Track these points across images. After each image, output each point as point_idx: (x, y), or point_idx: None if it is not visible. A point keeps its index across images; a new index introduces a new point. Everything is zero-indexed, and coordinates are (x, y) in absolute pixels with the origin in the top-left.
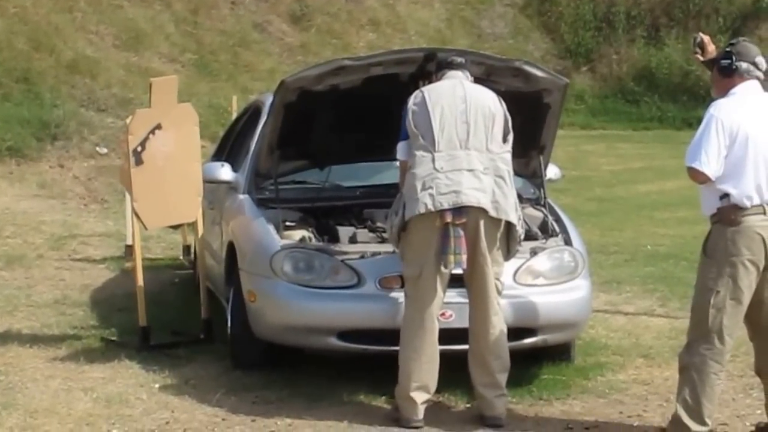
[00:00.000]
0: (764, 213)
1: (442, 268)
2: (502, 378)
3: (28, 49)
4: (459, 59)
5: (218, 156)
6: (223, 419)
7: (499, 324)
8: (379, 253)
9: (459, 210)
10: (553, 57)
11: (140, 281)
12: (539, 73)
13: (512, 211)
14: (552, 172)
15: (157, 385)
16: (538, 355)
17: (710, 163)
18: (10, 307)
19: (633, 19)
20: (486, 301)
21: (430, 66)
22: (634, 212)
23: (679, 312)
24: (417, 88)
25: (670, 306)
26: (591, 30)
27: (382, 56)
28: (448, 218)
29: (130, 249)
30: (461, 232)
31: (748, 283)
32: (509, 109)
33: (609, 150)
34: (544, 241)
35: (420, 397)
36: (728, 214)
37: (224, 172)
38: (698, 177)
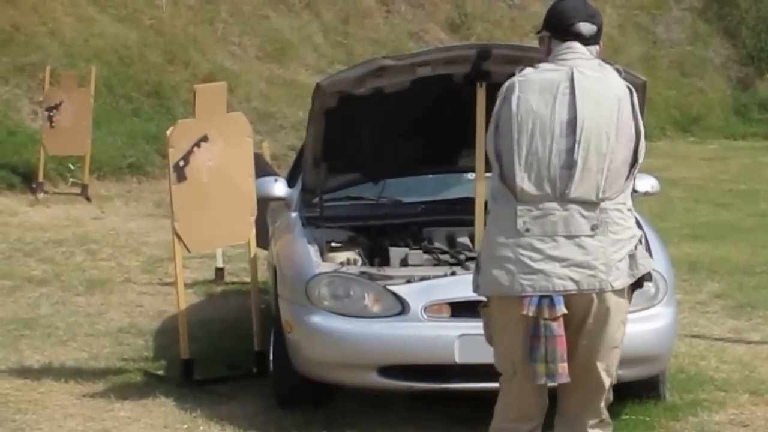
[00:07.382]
0: None
1: (533, 380)
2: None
3: (162, 62)
4: (589, 26)
5: (292, 171)
6: None
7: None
8: (429, 277)
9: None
10: (734, 63)
11: (182, 307)
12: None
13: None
14: (648, 184)
15: (185, 426)
16: (622, 391)
17: None
18: (67, 337)
19: None
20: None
21: (485, 65)
22: None
23: None
24: (473, 90)
25: None
26: None
27: (428, 55)
28: (528, 311)
29: (221, 272)
30: (556, 331)
31: None
32: None
33: None
34: None
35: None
36: None
37: (277, 187)
38: None
